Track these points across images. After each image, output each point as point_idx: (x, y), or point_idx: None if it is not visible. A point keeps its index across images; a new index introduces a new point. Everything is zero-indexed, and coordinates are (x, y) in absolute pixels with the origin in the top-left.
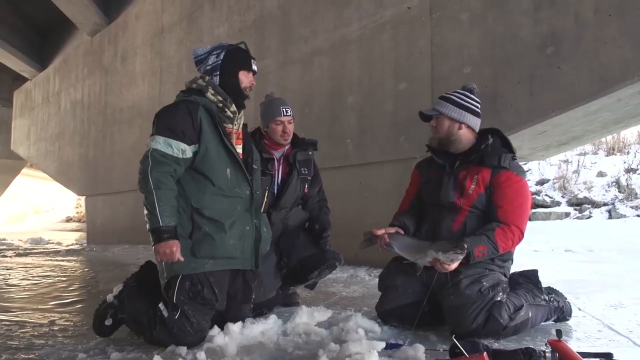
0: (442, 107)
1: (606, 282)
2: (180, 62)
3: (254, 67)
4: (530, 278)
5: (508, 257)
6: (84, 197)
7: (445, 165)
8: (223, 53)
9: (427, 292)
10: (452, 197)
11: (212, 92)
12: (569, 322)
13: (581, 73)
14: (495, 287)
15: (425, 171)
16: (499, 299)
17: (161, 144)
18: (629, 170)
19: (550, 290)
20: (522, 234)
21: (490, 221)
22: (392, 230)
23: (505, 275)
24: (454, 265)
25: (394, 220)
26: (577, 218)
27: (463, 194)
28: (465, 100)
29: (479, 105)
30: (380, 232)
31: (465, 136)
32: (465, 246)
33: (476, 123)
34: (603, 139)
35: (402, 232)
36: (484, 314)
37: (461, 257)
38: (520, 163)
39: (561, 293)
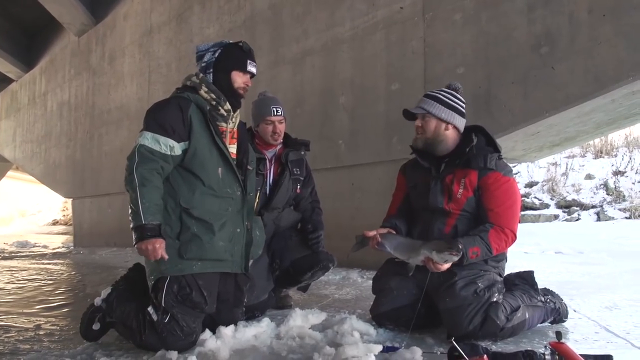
0: (430, 106)
1: (599, 283)
2: (170, 62)
3: (249, 68)
4: (526, 279)
5: (502, 257)
6: (71, 199)
7: (431, 169)
8: (219, 51)
9: (421, 294)
10: (440, 203)
11: (206, 89)
12: (566, 324)
13: (575, 73)
14: (490, 287)
15: (410, 175)
16: (495, 299)
17: (149, 139)
18: (616, 173)
19: (546, 292)
20: (515, 235)
21: (482, 223)
22: (384, 230)
23: (500, 275)
24: (447, 266)
25: (385, 222)
26: (566, 220)
27: (451, 198)
28: (452, 100)
29: (464, 106)
30: (372, 233)
31: (451, 137)
32: (460, 247)
33: (462, 124)
34: (591, 142)
35: (394, 232)
36: (480, 316)
37: (456, 258)
38: (512, 164)
39: (557, 294)
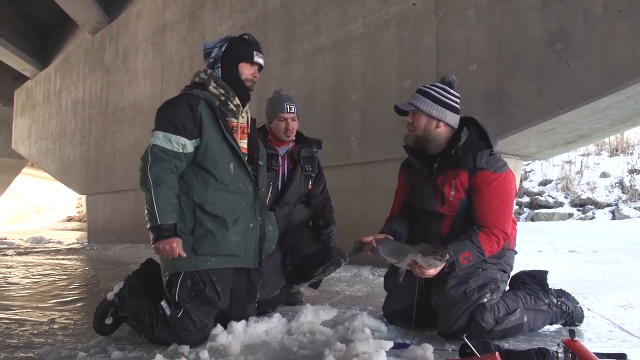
0: (420, 102)
1: (613, 282)
2: (182, 60)
3: (256, 59)
4: (537, 279)
5: (503, 253)
6: (85, 196)
7: (424, 170)
8: (225, 45)
9: (429, 291)
10: (434, 207)
11: (214, 85)
12: None
13: (590, 70)
14: (482, 287)
15: (408, 175)
16: (485, 300)
17: (161, 139)
18: (632, 171)
19: (561, 294)
20: (506, 234)
21: (472, 224)
22: (382, 236)
23: (503, 271)
24: (433, 272)
25: (384, 227)
26: (580, 219)
27: (444, 201)
28: (444, 96)
29: (458, 101)
30: (369, 239)
31: (442, 135)
32: (447, 256)
33: (455, 120)
34: (606, 140)
35: (392, 238)
36: (466, 317)
37: (440, 263)
38: (525, 162)
39: (573, 297)
